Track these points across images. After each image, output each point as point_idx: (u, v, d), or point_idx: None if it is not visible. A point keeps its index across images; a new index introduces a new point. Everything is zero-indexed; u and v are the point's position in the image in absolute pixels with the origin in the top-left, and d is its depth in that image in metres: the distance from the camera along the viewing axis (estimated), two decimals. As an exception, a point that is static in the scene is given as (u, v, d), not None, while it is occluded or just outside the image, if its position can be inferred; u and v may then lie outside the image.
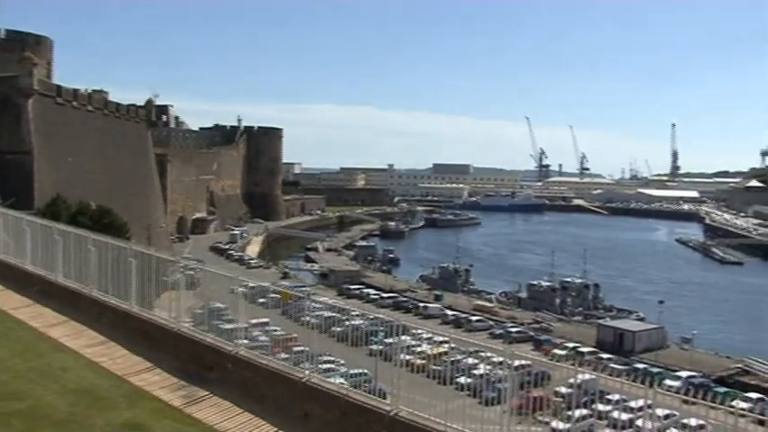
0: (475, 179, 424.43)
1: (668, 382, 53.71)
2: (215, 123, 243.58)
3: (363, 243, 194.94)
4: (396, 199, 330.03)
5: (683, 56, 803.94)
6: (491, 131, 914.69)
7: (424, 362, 15.11)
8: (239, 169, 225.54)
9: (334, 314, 15.99)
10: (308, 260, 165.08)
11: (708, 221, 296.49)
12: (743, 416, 10.93)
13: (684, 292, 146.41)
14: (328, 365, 15.20)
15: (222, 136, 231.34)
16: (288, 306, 16.94)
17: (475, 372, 13.93)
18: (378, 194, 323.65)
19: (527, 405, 13.06)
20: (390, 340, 13.90)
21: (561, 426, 12.62)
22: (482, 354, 14.03)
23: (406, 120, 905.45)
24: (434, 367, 14.37)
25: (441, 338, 16.27)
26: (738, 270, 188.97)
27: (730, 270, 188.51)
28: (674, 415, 12.38)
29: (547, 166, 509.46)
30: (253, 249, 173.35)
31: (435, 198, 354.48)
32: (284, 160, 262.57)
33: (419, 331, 17.17)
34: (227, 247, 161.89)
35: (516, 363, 12.53)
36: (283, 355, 15.87)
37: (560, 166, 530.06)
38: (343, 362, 16.02)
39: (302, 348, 15.36)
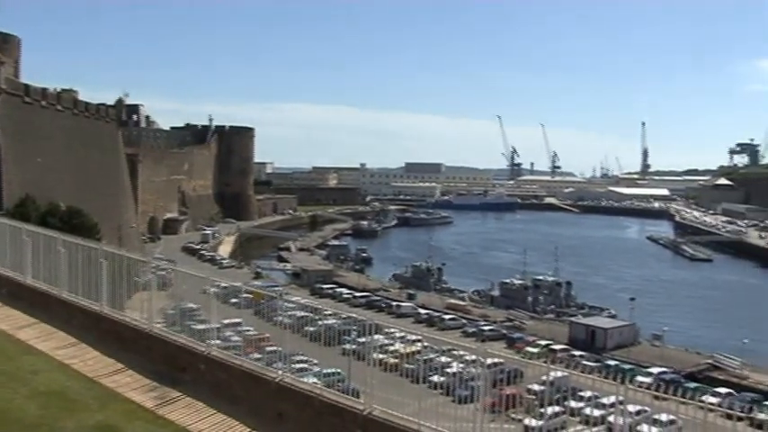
0: (447, 178, 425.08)
1: (639, 378, 54.01)
2: (186, 123, 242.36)
3: (336, 242, 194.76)
4: (368, 198, 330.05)
5: (653, 56, 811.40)
6: (463, 130, 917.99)
7: (397, 361, 15.11)
8: (211, 169, 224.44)
9: (306, 314, 15.96)
10: (281, 260, 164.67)
11: (678, 219, 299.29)
12: (712, 411, 11.07)
13: (655, 289, 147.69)
14: (301, 365, 15.15)
15: (193, 136, 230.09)
16: (260, 306, 16.87)
17: (448, 370, 13.95)
18: (350, 194, 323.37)
19: (500, 403, 13.13)
20: (363, 339, 13.90)
21: (534, 423, 12.67)
22: (455, 352, 14.07)
23: (379, 119, 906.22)
24: (408, 366, 14.39)
25: (414, 337, 16.30)
26: (708, 267, 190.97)
27: (700, 267, 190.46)
28: (646, 411, 12.46)
29: (519, 164, 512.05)
30: (225, 249, 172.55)
31: (408, 197, 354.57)
32: (256, 160, 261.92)
33: (392, 330, 17.13)
34: (198, 247, 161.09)
35: (489, 361, 12.58)
36: (256, 356, 15.83)
37: (532, 164, 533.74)
38: (316, 361, 16.02)
39: (275, 348, 15.32)
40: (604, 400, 12.29)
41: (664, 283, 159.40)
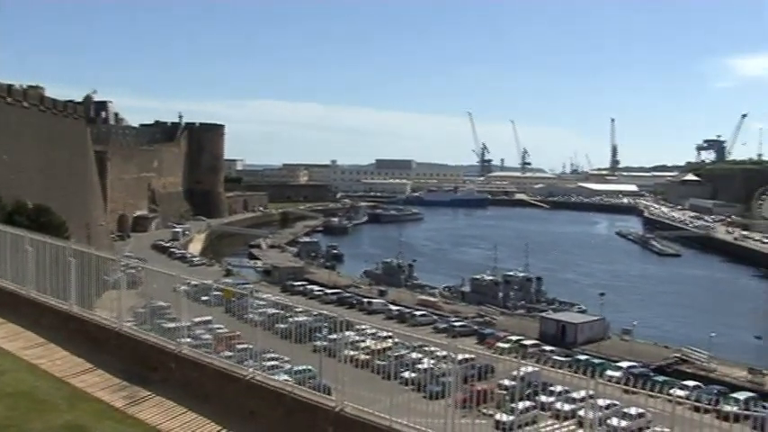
0: (418, 174, 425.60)
1: (609, 372, 54.34)
2: (156, 120, 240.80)
3: (306, 239, 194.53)
4: (339, 195, 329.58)
5: (622, 53, 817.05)
6: (434, 127, 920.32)
7: (368, 357, 15.13)
8: (181, 166, 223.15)
9: (277, 311, 15.93)
10: (252, 257, 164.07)
11: (646, 214, 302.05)
12: (680, 403, 11.20)
13: (624, 283, 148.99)
14: (273, 363, 15.12)
15: (163, 133, 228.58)
16: (231, 304, 16.81)
17: (419, 366, 14.00)
18: (321, 190, 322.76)
19: (471, 398, 13.16)
20: (334, 336, 13.90)
21: (505, 418, 12.73)
22: (426, 348, 14.13)
23: (349, 116, 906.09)
24: (379, 362, 14.42)
25: (385, 334, 16.33)
26: (676, 262, 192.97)
27: (668, 262, 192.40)
28: (616, 404, 12.59)
29: (489, 161, 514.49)
30: (195, 247, 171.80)
31: (378, 194, 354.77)
32: (226, 157, 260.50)
33: (363, 327, 17.18)
34: (169, 244, 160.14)
35: (460, 357, 12.62)
36: (227, 354, 15.77)
37: (502, 161, 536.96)
38: (287, 359, 16.03)
39: (246, 346, 15.27)
40: (575, 395, 12.39)
41: (633, 277, 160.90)
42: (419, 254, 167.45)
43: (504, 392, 13.55)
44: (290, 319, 15.88)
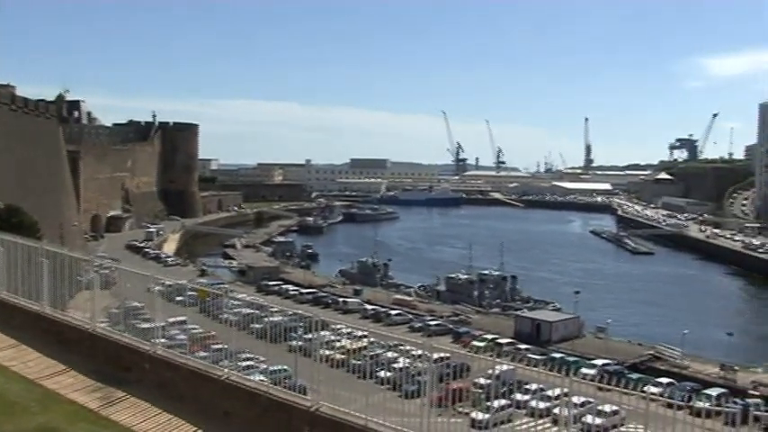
0: (392, 174, 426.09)
1: (584, 370, 54.91)
2: (129, 120, 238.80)
3: (281, 239, 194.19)
4: (314, 194, 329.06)
5: (595, 53, 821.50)
6: (408, 126, 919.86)
7: (344, 357, 15.12)
8: (155, 166, 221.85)
9: (252, 311, 15.89)
10: (226, 257, 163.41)
11: (620, 213, 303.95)
12: (654, 400, 11.30)
13: (599, 282, 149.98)
14: (248, 363, 15.07)
15: (136, 132, 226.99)
16: (206, 304, 16.74)
17: (395, 365, 14.02)
18: (295, 190, 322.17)
19: (447, 397, 13.20)
20: (310, 336, 13.88)
21: (481, 416, 12.79)
22: (402, 347, 14.13)
23: (324, 115, 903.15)
24: (355, 362, 14.41)
25: (360, 333, 16.32)
26: (649, 260, 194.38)
27: (641, 260, 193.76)
28: (590, 402, 12.67)
29: (464, 160, 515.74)
30: (169, 247, 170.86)
31: (353, 193, 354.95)
32: (200, 156, 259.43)
33: (339, 326, 17.17)
34: (143, 245, 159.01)
35: (436, 355, 12.65)
36: (202, 354, 15.70)
37: (477, 160, 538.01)
38: (262, 359, 15.96)
39: (221, 346, 15.22)
40: (550, 393, 12.45)
41: (607, 276, 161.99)
42: (394, 253, 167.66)
43: (480, 391, 13.61)
44: (266, 319, 15.83)
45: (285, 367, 15.06)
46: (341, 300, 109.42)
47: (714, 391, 63.58)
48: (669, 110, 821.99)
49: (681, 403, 11.55)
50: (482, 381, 13.29)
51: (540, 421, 12.16)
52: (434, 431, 11.95)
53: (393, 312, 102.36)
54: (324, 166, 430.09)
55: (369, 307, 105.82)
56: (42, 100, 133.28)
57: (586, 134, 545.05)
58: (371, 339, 14.76)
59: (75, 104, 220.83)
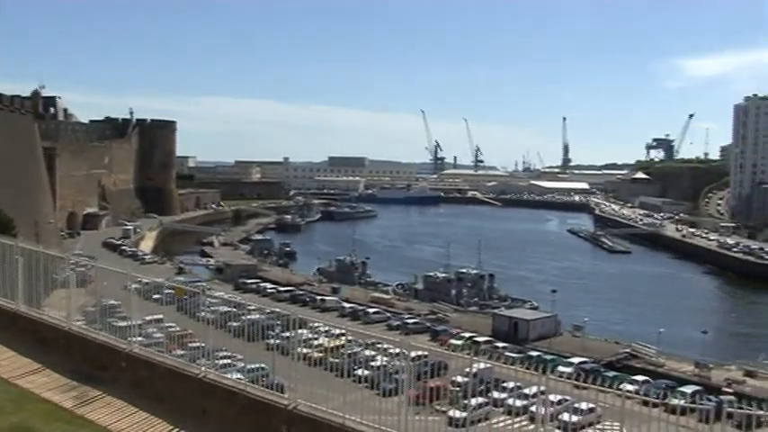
0: (371, 172, 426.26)
1: (561, 368, 54.78)
2: (106, 116, 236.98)
3: (259, 237, 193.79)
4: (292, 192, 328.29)
5: (574, 53, 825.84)
6: (387, 125, 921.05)
7: (321, 355, 15.10)
8: (132, 163, 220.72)
9: (230, 309, 15.83)
10: (204, 255, 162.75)
11: (597, 212, 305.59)
12: (629, 398, 11.39)
13: (576, 280, 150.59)
14: (225, 361, 15.02)
15: (114, 129, 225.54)
16: (183, 302, 16.67)
17: (372, 363, 14.02)
18: (274, 188, 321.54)
19: (424, 395, 13.22)
20: (288, 334, 13.86)
21: (458, 414, 12.82)
22: (379, 345, 14.14)
23: (302, 113, 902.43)
24: (332, 360, 14.40)
25: (338, 331, 16.33)
26: (626, 258, 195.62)
27: (618, 259, 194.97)
28: (567, 400, 12.75)
29: (442, 158, 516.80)
30: (147, 245, 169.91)
31: (331, 191, 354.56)
32: (178, 154, 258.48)
33: (316, 324, 17.14)
34: (120, 242, 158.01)
35: (413, 354, 12.67)
36: (179, 352, 15.63)
37: (455, 158, 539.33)
38: (240, 357, 15.91)
39: (199, 344, 15.16)
40: (527, 391, 12.50)
41: (584, 274, 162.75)
42: (372, 251, 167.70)
43: (457, 389, 13.62)
44: (243, 318, 15.80)
45: (263, 365, 15.01)
46: (319, 298, 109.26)
47: (689, 389, 63.95)
48: (646, 110, 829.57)
49: (656, 401, 11.65)
50: (460, 379, 13.30)
51: (518, 419, 12.21)
52: (412, 429, 11.97)
53: (371, 310, 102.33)
54: (302, 164, 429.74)
55: (347, 305, 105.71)
56: (18, 96, 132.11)
57: (564, 133, 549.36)
58: (349, 337, 14.77)
59: (51, 101, 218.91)
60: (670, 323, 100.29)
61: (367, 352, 14.51)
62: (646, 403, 11.51)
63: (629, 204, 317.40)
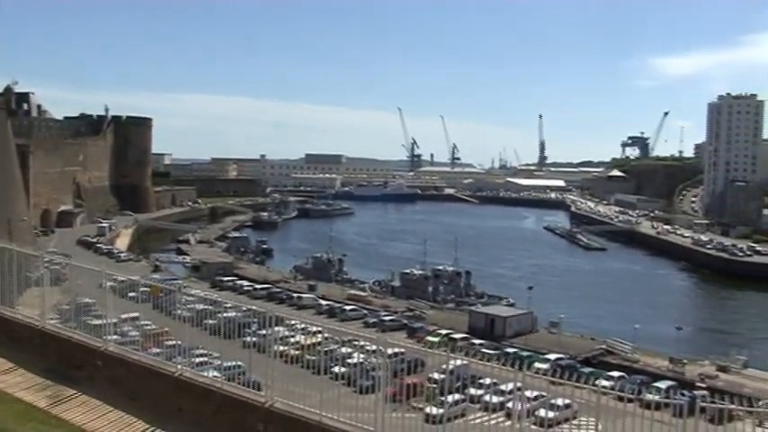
0: (347, 169, 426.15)
1: (537, 364, 55.45)
2: (81, 113, 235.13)
3: (236, 234, 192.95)
4: (268, 189, 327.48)
5: (550, 51, 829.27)
6: (363, 122, 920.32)
7: (298, 352, 15.09)
8: (107, 160, 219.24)
9: (206, 307, 15.78)
10: (180, 252, 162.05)
11: (573, 209, 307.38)
12: (605, 394, 11.48)
13: (552, 277, 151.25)
14: (202, 359, 14.97)
15: (88, 126, 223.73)
16: (159, 300, 16.59)
17: (349, 361, 14.02)
18: (250, 185, 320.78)
19: (401, 392, 13.25)
20: (264, 332, 13.83)
21: (435, 411, 12.84)
22: (356, 343, 14.14)
23: (279, 110, 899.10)
24: (309, 357, 14.39)
25: (315, 328, 16.33)
26: (601, 255, 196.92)
27: (594, 255, 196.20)
28: (543, 396, 12.82)
29: (418, 156, 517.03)
30: (122, 242, 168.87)
31: (308, 188, 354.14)
32: (154, 151, 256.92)
33: (293, 322, 17.14)
34: (95, 240, 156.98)
35: (390, 351, 12.68)
36: (155, 350, 15.56)
37: (432, 156, 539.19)
38: (216, 355, 15.84)
39: (175, 342, 15.10)
40: (503, 387, 12.56)
41: (560, 271, 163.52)
42: (349, 249, 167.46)
43: (434, 386, 13.67)
44: (220, 315, 15.75)
45: (239, 363, 14.98)
46: (295, 295, 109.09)
47: (663, 384, 64.64)
48: (622, 108, 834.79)
49: (631, 396, 11.75)
50: (436, 376, 13.35)
51: (494, 415, 12.27)
52: (389, 426, 11.99)
53: (347, 308, 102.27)
54: (279, 161, 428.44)
55: (323, 302, 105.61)
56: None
57: (540, 131, 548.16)
58: (326, 335, 14.78)
59: (24, 97, 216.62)
60: (645, 319, 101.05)
61: (344, 349, 14.51)
62: (621, 399, 11.61)
63: (605, 202, 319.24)
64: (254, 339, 14.46)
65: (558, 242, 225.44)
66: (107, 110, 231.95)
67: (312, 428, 12.12)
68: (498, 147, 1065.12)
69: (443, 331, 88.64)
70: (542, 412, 12.77)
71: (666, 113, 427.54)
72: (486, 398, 13.32)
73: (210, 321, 15.57)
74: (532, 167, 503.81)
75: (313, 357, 14.06)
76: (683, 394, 46.16)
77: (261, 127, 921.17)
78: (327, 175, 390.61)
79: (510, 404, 11.83)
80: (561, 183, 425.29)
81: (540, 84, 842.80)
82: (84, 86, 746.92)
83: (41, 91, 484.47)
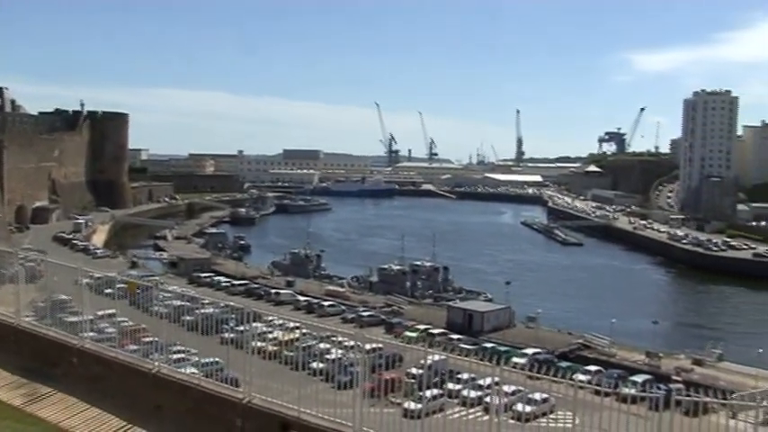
0: (325, 165, 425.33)
1: (515, 359, 55.54)
2: (56, 108, 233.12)
3: (213, 230, 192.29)
4: (246, 185, 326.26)
5: (527, 47, 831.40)
6: (341, 117, 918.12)
7: (276, 348, 15.08)
8: (83, 156, 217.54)
9: (184, 303, 15.73)
10: (157, 248, 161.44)
11: (551, 205, 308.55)
12: (582, 388, 11.56)
13: (530, 272, 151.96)
14: (179, 355, 14.92)
15: (64, 121, 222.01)
16: (136, 296, 16.51)
17: (327, 356, 14.02)
18: (228, 181, 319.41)
19: (379, 387, 13.26)
20: (242, 328, 13.81)
21: (413, 406, 12.89)
22: (334, 338, 14.15)
23: (257, 106, 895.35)
24: (287, 353, 14.38)
25: (293, 324, 16.31)
26: (578, 250, 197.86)
27: (571, 251, 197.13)
28: (521, 390, 12.89)
29: (396, 151, 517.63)
30: (99, 238, 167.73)
31: (286, 184, 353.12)
32: (130, 146, 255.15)
33: (271, 318, 17.12)
34: (71, 236, 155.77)
35: (368, 346, 12.71)
36: (132, 347, 15.49)
37: (410, 151, 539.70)
38: (194, 351, 15.77)
39: (152, 339, 15.04)
40: (481, 382, 12.61)
41: (538, 266, 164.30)
42: (327, 244, 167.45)
43: (413, 381, 13.70)
44: (197, 311, 15.71)
45: (217, 359, 14.95)
46: (273, 291, 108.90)
47: (640, 378, 64.99)
48: (599, 104, 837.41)
49: (608, 390, 11.85)
50: (414, 371, 13.38)
51: (472, 410, 12.32)
52: (367, 421, 12.01)
53: (325, 303, 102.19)
54: (256, 157, 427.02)
55: (301, 298, 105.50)
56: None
57: (518, 127, 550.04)
58: (304, 331, 14.76)
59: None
60: (622, 314, 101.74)
61: (322, 345, 14.50)
62: (598, 393, 11.70)
63: (582, 197, 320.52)
64: (231, 336, 14.44)
65: (536, 237, 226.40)
66: (83, 105, 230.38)
67: (290, 424, 12.12)
68: (476, 142, 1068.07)
69: (421, 326, 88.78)
70: (520, 407, 12.84)
71: (643, 109, 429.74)
72: (465, 392, 13.37)
73: (188, 318, 15.52)
74: (510, 163, 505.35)
75: (291, 353, 14.06)
76: (658, 388, 46.62)
77: (239, 122, 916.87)
78: (305, 171, 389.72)
79: (488, 399, 11.89)
80: (538, 178, 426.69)
81: (518, 80, 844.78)
82: (59, 82, 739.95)
83: (15, 86, 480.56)
